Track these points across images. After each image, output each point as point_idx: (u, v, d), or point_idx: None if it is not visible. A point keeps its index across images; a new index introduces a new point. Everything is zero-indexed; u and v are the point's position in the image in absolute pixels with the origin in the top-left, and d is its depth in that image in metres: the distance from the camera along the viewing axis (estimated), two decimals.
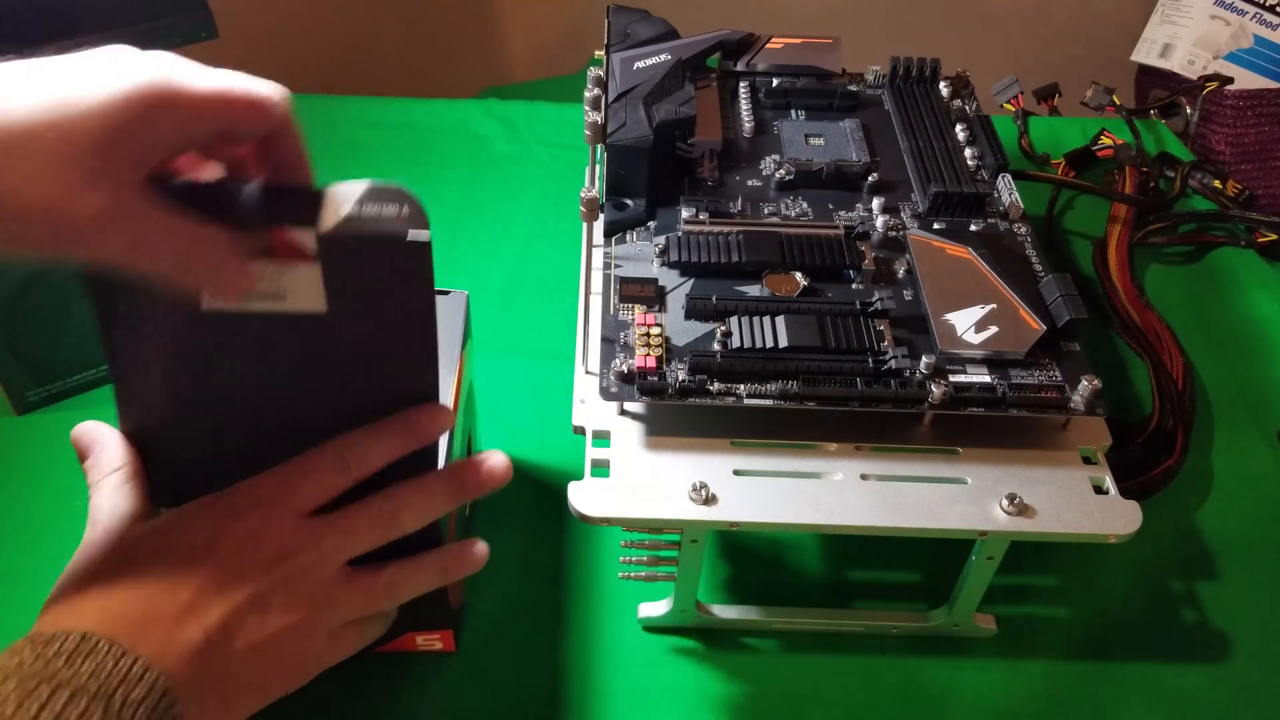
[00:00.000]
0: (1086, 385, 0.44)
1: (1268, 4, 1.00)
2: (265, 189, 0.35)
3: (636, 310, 0.47)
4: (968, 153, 0.57)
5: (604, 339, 0.46)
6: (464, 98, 0.87)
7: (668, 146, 0.53)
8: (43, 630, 0.31)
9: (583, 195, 0.45)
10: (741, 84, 0.62)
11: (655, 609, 0.50)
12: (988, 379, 0.45)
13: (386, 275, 0.34)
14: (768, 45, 0.64)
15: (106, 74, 0.30)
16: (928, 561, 0.53)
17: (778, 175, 0.55)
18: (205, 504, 0.36)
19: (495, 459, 0.39)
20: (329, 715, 0.45)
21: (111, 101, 0.30)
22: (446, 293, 0.49)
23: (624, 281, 0.48)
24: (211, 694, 0.33)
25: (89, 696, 0.30)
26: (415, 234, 0.33)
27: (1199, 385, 0.64)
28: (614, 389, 0.44)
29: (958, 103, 0.62)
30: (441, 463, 0.41)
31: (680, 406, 0.44)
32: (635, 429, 0.45)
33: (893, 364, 0.45)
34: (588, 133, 0.50)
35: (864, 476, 0.44)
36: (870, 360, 0.45)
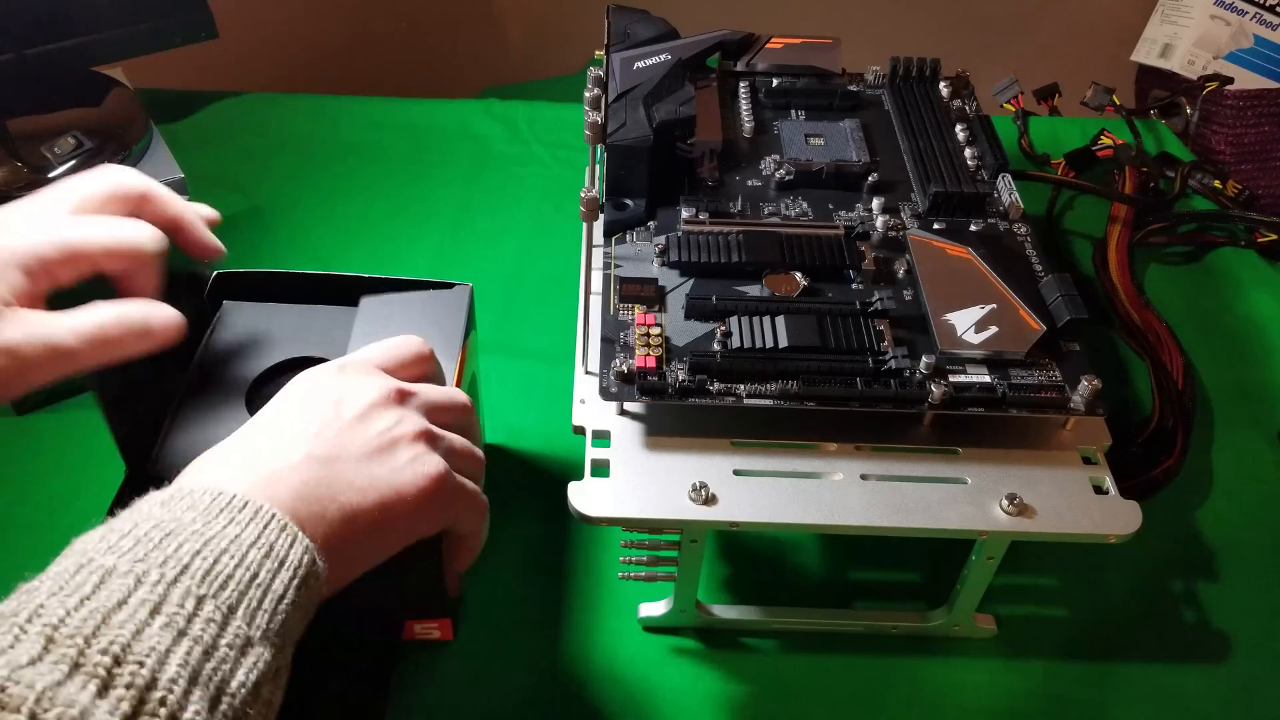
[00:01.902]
0: (1086, 385, 0.44)
1: (1268, 4, 1.00)
2: None
3: (636, 310, 0.47)
4: (968, 153, 0.57)
5: (604, 339, 0.46)
6: (464, 98, 0.87)
7: (668, 146, 0.53)
8: (183, 487, 0.32)
9: (583, 195, 0.45)
10: (741, 84, 0.62)
11: (655, 609, 0.50)
12: (988, 379, 0.45)
13: None
14: (768, 45, 0.64)
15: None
16: (928, 561, 0.53)
17: (778, 175, 0.55)
18: (323, 371, 0.38)
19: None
20: (329, 703, 0.45)
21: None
22: (451, 285, 0.49)
23: (624, 281, 0.48)
24: (345, 529, 0.34)
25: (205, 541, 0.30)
26: None
27: (1199, 385, 0.64)
28: (614, 389, 0.44)
29: (958, 103, 0.62)
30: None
31: (680, 406, 0.44)
32: (635, 429, 0.45)
33: (893, 364, 0.45)
34: (588, 133, 0.50)
35: (864, 476, 0.44)
36: (870, 360, 0.45)
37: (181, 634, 0.27)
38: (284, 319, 0.47)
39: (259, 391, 0.44)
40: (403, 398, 0.38)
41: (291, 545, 0.31)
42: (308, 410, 0.36)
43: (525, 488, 0.56)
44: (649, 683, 0.49)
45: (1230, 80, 0.91)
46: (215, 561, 0.29)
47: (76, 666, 0.25)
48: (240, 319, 0.48)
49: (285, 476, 0.33)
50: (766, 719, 0.48)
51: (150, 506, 0.31)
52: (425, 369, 0.41)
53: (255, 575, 0.29)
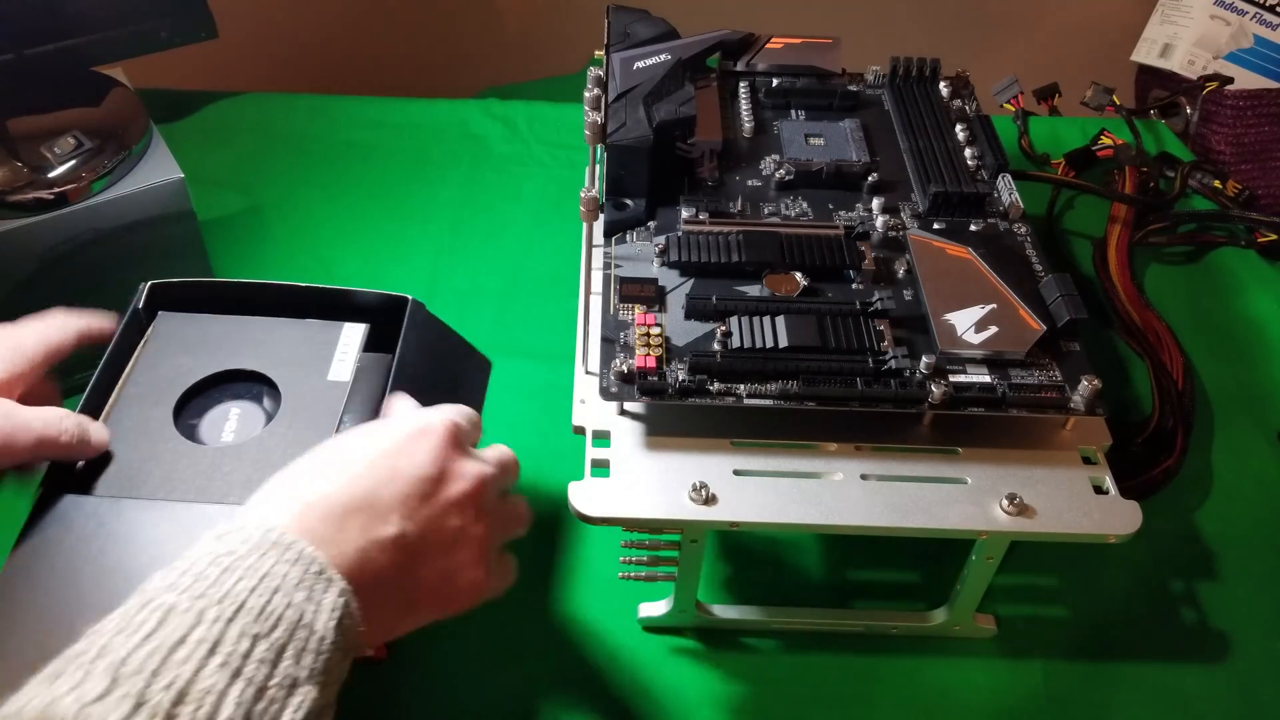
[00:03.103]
0: (1086, 385, 0.44)
1: (1268, 4, 1.00)
2: None
3: (636, 310, 0.47)
4: (968, 153, 0.57)
5: (604, 339, 0.46)
6: (464, 98, 0.87)
7: (668, 146, 0.53)
8: (237, 519, 0.33)
9: (583, 195, 0.45)
10: (741, 84, 0.62)
11: (655, 609, 0.50)
12: (988, 379, 0.45)
13: None
14: (767, 45, 0.64)
15: None
16: (928, 561, 0.53)
17: (778, 175, 0.55)
18: (376, 428, 0.38)
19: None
20: None
21: None
22: (394, 299, 0.48)
23: (624, 281, 0.48)
24: (392, 598, 0.34)
25: (256, 575, 0.30)
26: None
27: (1199, 385, 0.64)
28: (614, 389, 0.44)
29: (958, 103, 0.62)
30: None
31: (680, 406, 0.44)
32: (635, 429, 0.45)
33: (893, 364, 0.45)
34: (588, 133, 0.50)
35: (864, 476, 0.44)
36: (870, 360, 0.45)
37: (236, 674, 0.28)
38: (220, 330, 0.47)
39: (188, 404, 0.44)
40: (484, 488, 0.38)
41: (327, 591, 0.31)
42: (412, 470, 0.36)
43: (525, 488, 0.56)
44: (649, 683, 0.49)
45: (1230, 80, 0.91)
46: (269, 600, 0.30)
47: (140, 704, 0.26)
48: (175, 329, 0.47)
49: (372, 556, 0.34)
50: (766, 719, 0.48)
51: (208, 540, 0.32)
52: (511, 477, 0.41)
53: (301, 616, 0.30)
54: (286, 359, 0.46)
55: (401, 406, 0.42)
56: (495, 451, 0.40)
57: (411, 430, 0.37)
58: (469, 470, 0.37)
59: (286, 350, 0.46)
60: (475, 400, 0.52)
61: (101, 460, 0.42)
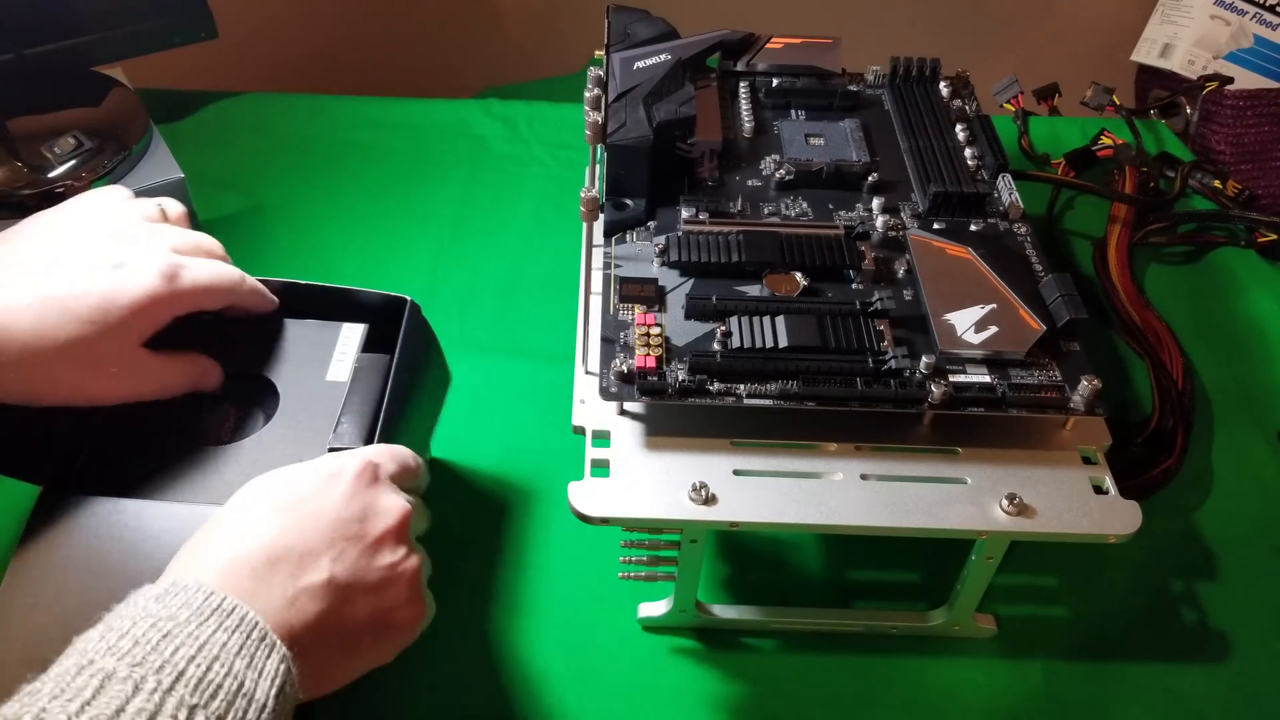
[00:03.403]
0: (1086, 385, 0.44)
1: (1268, 4, 1.00)
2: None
3: (636, 310, 0.47)
4: (968, 153, 0.57)
5: (604, 339, 0.46)
6: (464, 98, 0.87)
7: (668, 146, 0.53)
8: (178, 581, 0.33)
9: (583, 195, 0.45)
10: (741, 84, 0.62)
11: (655, 609, 0.50)
12: (988, 379, 0.45)
13: None
14: (767, 45, 0.64)
15: (134, 280, 0.40)
16: (928, 561, 0.53)
17: (778, 175, 0.55)
18: (295, 472, 0.38)
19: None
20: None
21: (141, 302, 0.40)
22: (392, 299, 0.48)
23: (624, 281, 0.48)
24: (328, 643, 0.34)
25: (184, 629, 0.30)
26: None
27: (1199, 385, 0.64)
28: (614, 389, 0.44)
29: (958, 103, 0.62)
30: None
31: (680, 406, 0.44)
32: (635, 429, 0.45)
33: (893, 364, 0.45)
34: (588, 133, 0.50)
35: (864, 476, 0.44)
36: (870, 360, 0.45)
37: None
38: (218, 330, 0.46)
39: (187, 404, 0.44)
40: (408, 522, 0.38)
41: (269, 656, 0.31)
42: (337, 515, 0.36)
43: (525, 487, 0.56)
44: (649, 683, 0.49)
45: (1230, 80, 0.91)
46: (208, 669, 0.30)
47: None
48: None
49: (303, 604, 0.34)
50: (766, 719, 0.48)
51: (146, 601, 0.31)
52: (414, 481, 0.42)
53: (241, 685, 0.30)
54: (285, 359, 0.46)
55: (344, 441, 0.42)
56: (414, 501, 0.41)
57: (328, 473, 0.37)
58: (390, 506, 0.38)
59: (285, 350, 0.46)
60: (438, 408, 0.52)
61: (101, 460, 0.42)
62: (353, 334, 0.47)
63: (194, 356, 0.44)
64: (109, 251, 0.41)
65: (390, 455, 0.40)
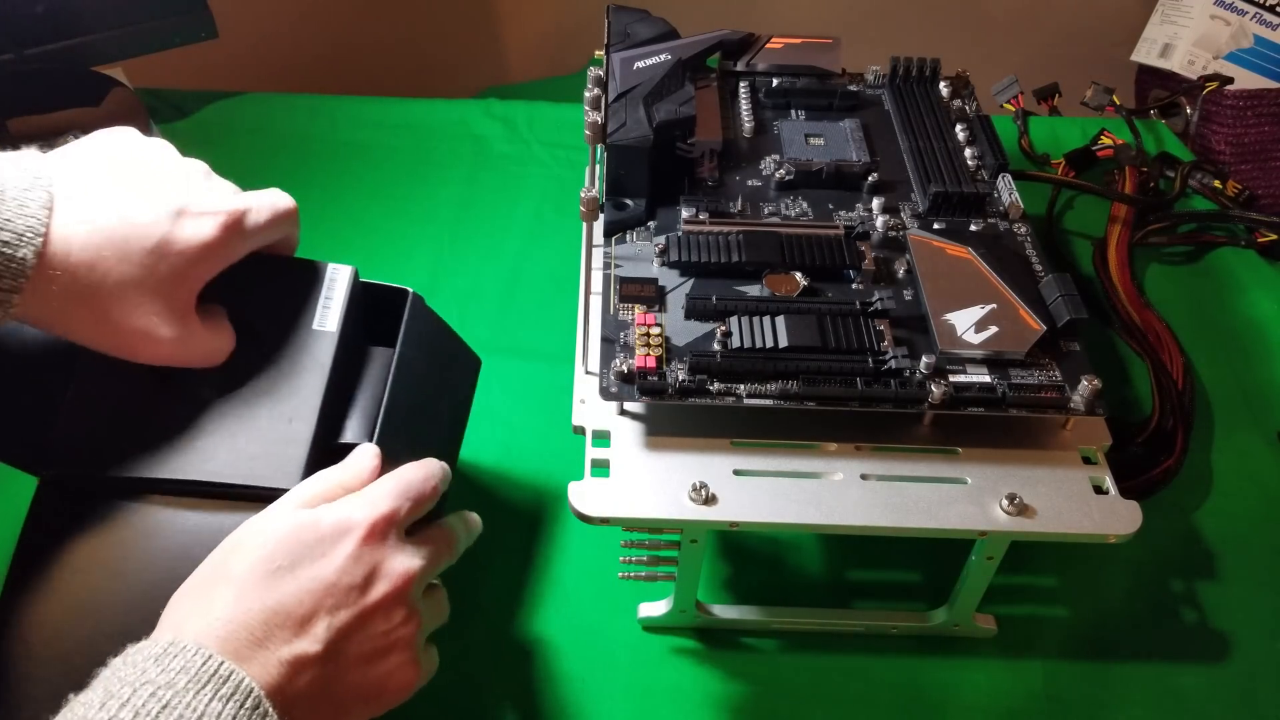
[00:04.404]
0: (1086, 385, 0.44)
1: (1268, 4, 1.00)
2: None
3: (636, 310, 0.47)
4: (968, 153, 0.57)
5: (604, 339, 0.46)
6: (464, 98, 0.87)
7: (668, 146, 0.53)
8: (176, 642, 0.32)
9: (583, 195, 0.45)
10: (741, 84, 0.62)
11: (655, 609, 0.50)
12: (988, 379, 0.45)
13: None
14: (767, 45, 0.64)
15: (196, 226, 0.38)
16: (928, 561, 0.53)
17: (778, 175, 0.55)
18: (301, 525, 0.36)
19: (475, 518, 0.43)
20: None
21: (198, 252, 0.38)
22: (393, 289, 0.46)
23: (624, 281, 0.48)
24: (320, 709, 0.34)
25: (174, 691, 0.30)
26: None
27: (1199, 385, 0.64)
28: (614, 389, 0.44)
29: (958, 103, 0.62)
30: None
31: (680, 406, 0.44)
32: (635, 429, 0.45)
33: (893, 364, 0.45)
34: (588, 133, 0.50)
35: (864, 476, 0.44)
36: (870, 360, 0.45)
37: None
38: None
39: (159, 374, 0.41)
40: (411, 586, 0.37)
41: None
42: (338, 580, 0.35)
43: (525, 487, 0.56)
44: (649, 683, 0.49)
45: (1230, 80, 0.91)
46: None
47: None
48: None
49: (297, 671, 0.33)
50: (766, 719, 0.48)
51: (145, 663, 0.31)
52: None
53: None
54: (266, 301, 0.43)
55: (357, 465, 0.40)
56: (434, 533, 0.40)
57: (332, 529, 0.36)
58: (395, 569, 0.37)
59: (264, 295, 0.43)
60: (464, 398, 0.51)
61: (79, 442, 0.41)
62: (340, 276, 0.43)
63: (226, 325, 0.41)
64: (175, 193, 0.39)
65: (404, 493, 0.38)
